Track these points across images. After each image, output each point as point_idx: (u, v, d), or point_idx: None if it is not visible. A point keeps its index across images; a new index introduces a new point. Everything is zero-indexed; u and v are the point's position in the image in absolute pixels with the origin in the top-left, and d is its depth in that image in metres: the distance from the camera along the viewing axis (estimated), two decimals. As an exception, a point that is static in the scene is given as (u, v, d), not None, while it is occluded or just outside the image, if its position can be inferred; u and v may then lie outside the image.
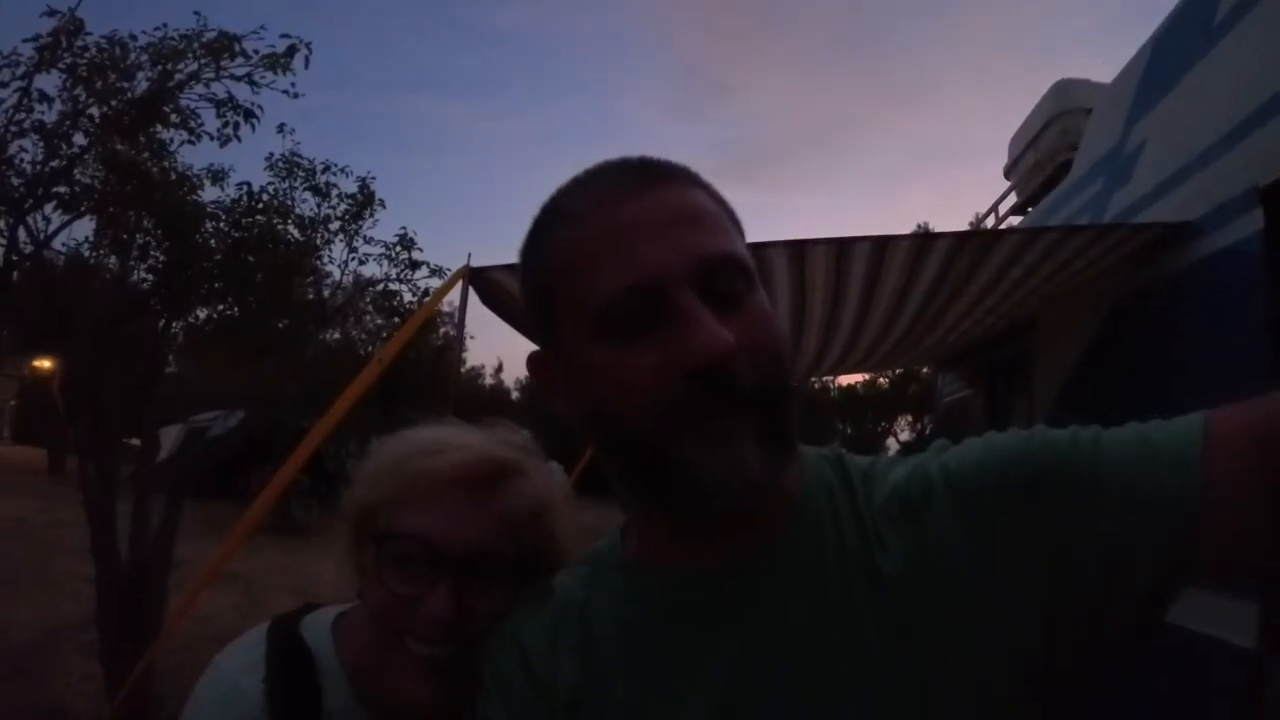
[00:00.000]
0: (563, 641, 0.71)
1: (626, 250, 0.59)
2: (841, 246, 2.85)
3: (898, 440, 26.06)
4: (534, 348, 0.72)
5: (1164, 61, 2.97)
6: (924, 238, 2.83)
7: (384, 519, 0.87)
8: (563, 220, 0.64)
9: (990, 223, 5.46)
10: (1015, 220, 5.09)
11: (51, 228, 4.44)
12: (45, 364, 14.90)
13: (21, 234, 4.27)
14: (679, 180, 0.64)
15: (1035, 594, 0.58)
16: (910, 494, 0.64)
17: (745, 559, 0.65)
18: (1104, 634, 0.58)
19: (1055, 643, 0.58)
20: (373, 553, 0.86)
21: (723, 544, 0.65)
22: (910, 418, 25.93)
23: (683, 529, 0.67)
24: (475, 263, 3.09)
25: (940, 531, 0.61)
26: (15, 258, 4.27)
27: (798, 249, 2.88)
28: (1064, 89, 4.45)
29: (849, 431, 26.21)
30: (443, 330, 17.89)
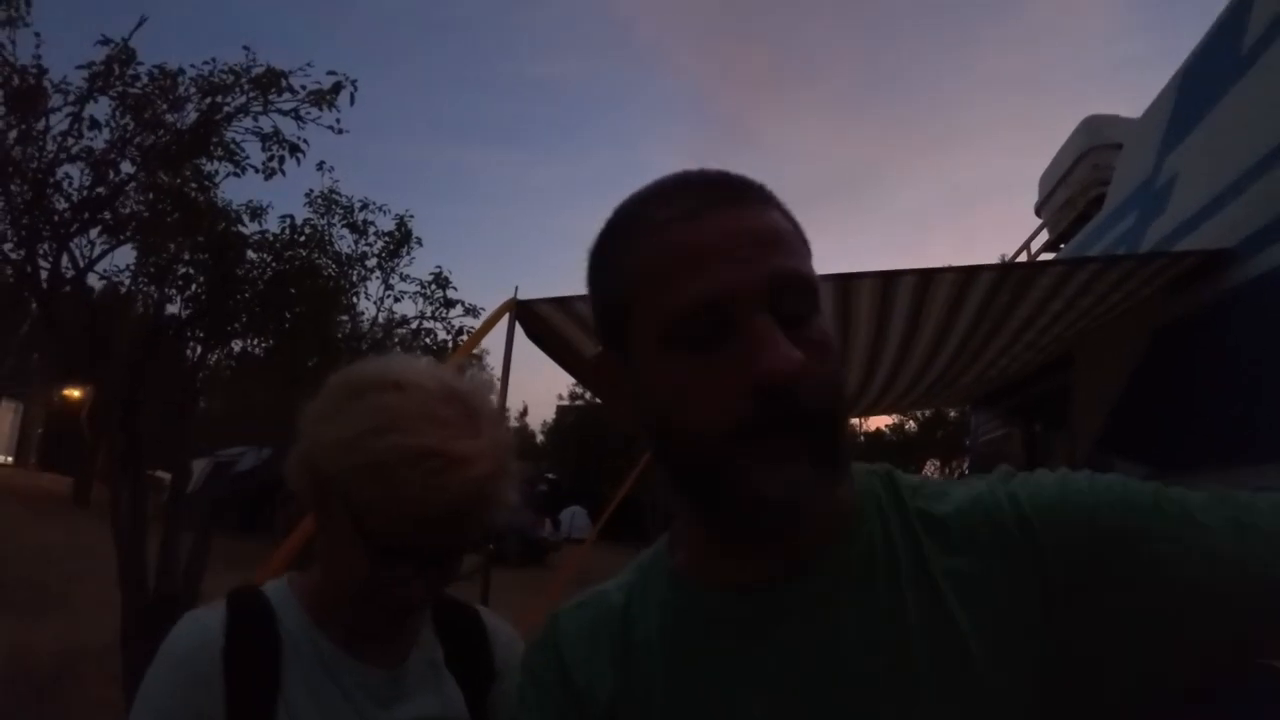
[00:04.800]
0: (602, 650, 0.71)
1: (703, 266, 0.59)
2: (886, 279, 2.83)
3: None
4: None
5: (1193, 93, 2.97)
6: (968, 270, 2.78)
7: (372, 520, 0.88)
8: (640, 231, 0.63)
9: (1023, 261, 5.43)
10: (1048, 257, 5.07)
11: (94, 254, 4.56)
12: (74, 392, 15.03)
13: (64, 260, 4.37)
14: (756, 198, 0.63)
15: (1093, 640, 0.57)
16: (972, 516, 0.63)
17: (794, 573, 0.64)
18: (1158, 692, 0.57)
19: (1103, 686, 0.57)
20: (358, 539, 0.89)
21: (772, 559, 0.65)
22: (938, 462, 25.53)
23: (734, 542, 0.66)
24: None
25: (1001, 558, 0.60)
26: (57, 284, 4.36)
27: (843, 282, 2.86)
28: (1093, 124, 4.44)
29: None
30: (468, 373, 18.05)
